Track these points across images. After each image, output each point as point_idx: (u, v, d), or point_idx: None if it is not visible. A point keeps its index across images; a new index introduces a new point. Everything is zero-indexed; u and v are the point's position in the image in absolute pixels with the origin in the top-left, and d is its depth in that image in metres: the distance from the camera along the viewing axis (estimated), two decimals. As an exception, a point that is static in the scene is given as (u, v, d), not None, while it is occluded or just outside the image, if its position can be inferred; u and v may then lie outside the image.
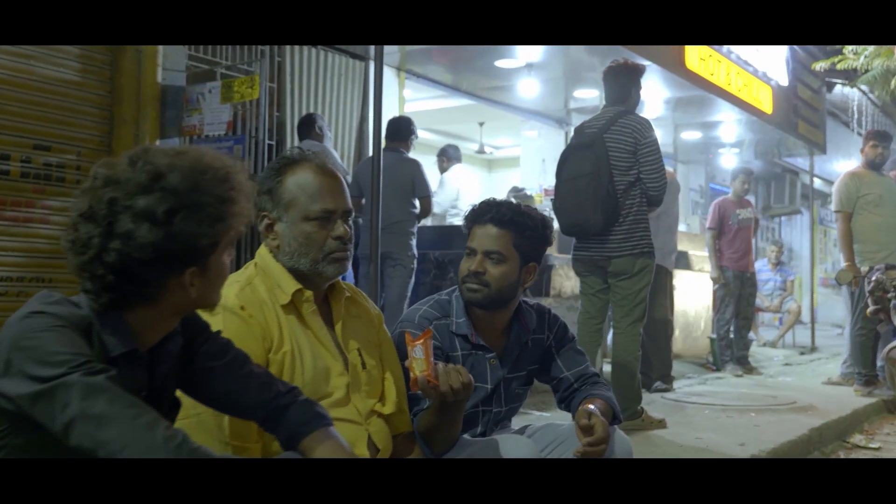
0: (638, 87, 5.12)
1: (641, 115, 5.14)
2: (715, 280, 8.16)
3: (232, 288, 2.07)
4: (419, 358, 2.11)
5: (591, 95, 9.33)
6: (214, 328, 1.95)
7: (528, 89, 8.91)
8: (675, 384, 6.84)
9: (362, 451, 2.11)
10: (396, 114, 7.53)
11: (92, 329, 1.55)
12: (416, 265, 6.41)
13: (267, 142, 6.60)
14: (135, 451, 1.40)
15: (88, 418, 1.41)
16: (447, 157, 8.12)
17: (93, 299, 1.57)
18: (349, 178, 6.43)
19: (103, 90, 5.90)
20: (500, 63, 8.23)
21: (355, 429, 2.12)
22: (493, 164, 15.28)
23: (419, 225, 6.55)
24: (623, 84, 5.09)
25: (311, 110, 7.21)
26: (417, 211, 6.41)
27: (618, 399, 4.82)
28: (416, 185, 6.36)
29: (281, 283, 2.13)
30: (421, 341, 2.11)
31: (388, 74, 8.26)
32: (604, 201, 4.80)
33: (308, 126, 6.46)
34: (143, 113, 5.95)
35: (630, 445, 2.43)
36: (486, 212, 2.51)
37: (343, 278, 2.25)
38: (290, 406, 1.82)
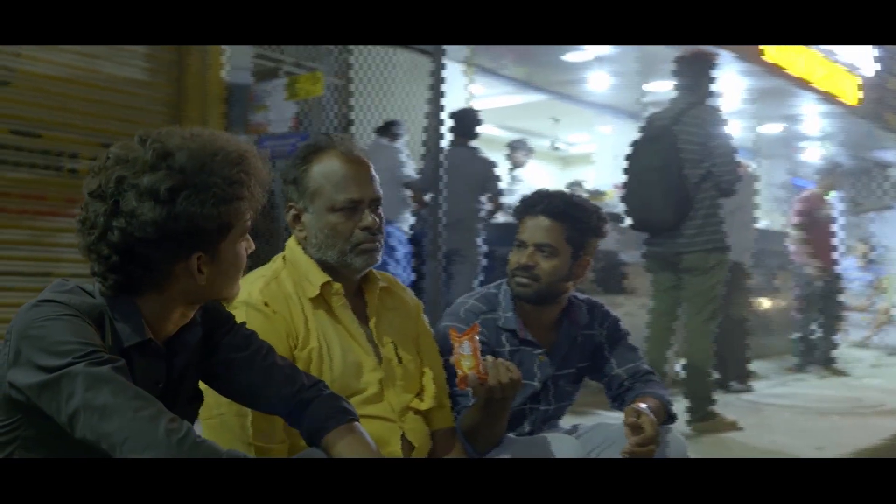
0: (709, 76, 4.92)
1: (715, 106, 4.94)
2: (816, 276, 7.77)
3: (257, 283, 2.02)
4: (467, 354, 2.01)
5: (666, 88, 9.03)
6: None
7: (600, 83, 8.73)
8: (754, 385, 6.60)
9: (395, 450, 2.03)
10: (464, 111, 7.42)
11: (104, 318, 1.51)
12: (483, 262, 6.33)
13: (333, 139, 6.56)
14: (136, 445, 1.35)
15: (91, 409, 1.37)
16: (519, 152, 7.97)
17: (101, 282, 1.53)
18: (405, 174, 6.35)
19: (170, 89, 5.94)
20: (568, 56, 8.07)
21: (388, 426, 2.05)
22: (567, 161, 15.05)
23: (488, 221, 6.46)
24: (694, 74, 4.91)
25: (379, 107, 7.18)
26: (486, 207, 6.32)
27: (688, 400, 4.74)
28: (487, 182, 6.28)
29: (309, 275, 2.06)
30: (468, 337, 2.02)
31: (456, 70, 8.18)
32: (674, 195, 4.65)
33: (390, 129, 6.49)
34: (209, 111, 5.97)
35: (685, 447, 2.28)
36: (537, 202, 2.40)
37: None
38: (313, 400, 1.75)
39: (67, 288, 1.52)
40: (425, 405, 2.16)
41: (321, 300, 2.05)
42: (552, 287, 2.38)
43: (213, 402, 1.86)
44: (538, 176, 7.98)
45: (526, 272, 2.37)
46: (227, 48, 6.08)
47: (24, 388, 1.41)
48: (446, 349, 2.31)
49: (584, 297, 2.56)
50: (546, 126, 12.45)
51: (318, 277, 2.05)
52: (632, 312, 6.08)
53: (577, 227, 2.37)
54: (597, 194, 7.94)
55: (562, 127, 12.48)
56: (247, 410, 1.86)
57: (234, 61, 6.14)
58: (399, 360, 2.13)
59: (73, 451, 1.43)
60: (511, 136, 10.82)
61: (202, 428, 1.93)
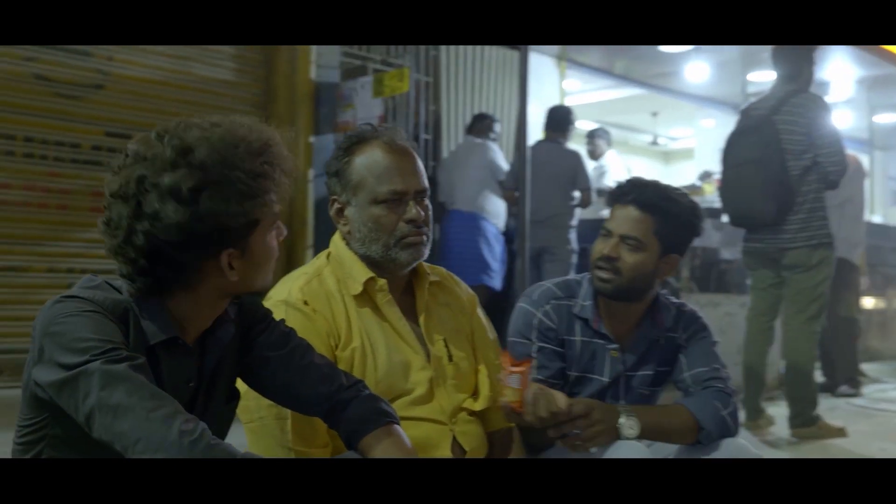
0: (811, 62, 4.64)
1: (819, 94, 4.66)
2: None
3: (297, 281, 1.95)
4: (513, 388, 1.93)
5: (769, 78, 8.68)
6: None
7: (700, 74, 8.44)
8: (865, 389, 6.24)
9: (444, 453, 1.93)
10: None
11: (129, 315, 1.45)
12: (575, 259, 6.17)
13: (423, 136, 6.52)
14: (148, 445, 1.29)
15: (106, 409, 1.31)
16: (599, 140, 7.73)
17: (129, 284, 1.47)
18: (493, 170, 6.24)
19: (258, 89, 6.00)
20: (664, 47, 7.80)
21: (438, 429, 1.95)
22: (668, 156, 14.67)
23: (580, 218, 6.31)
24: (794, 60, 4.63)
25: (468, 103, 7.10)
26: (576, 203, 6.16)
27: (790, 403, 4.49)
28: (576, 176, 6.12)
29: (353, 272, 1.98)
30: (520, 370, 1.93)
31: (548, 65, 8.03)
32: (775, 189, 4.41)
33: (480, 124, 6.38)
34: (298, 110, 5.99)
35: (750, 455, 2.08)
36: (628, 192, 2.25)
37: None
38: (351, 401, 1.67)
39: (94, 284, 1.48)
40: (479, 405, 2.05)
41: (366, 297, 1.97)
42: (634, 283, 2.23)
43: (254, 405, 1.81)
44: (620, 164, 7.70)
45: (608, 263, 2.22)
46: (314, 47, 6.09)
47: (46, 386, 1.38)
48: (517, 329, 2.25)
49: (676, 300, 2.41)
50: (646, 121, 12.15)
51: (362, 273, 1.97)
52: (732, 312, 5.84)
53: (668, 221, 2.22)
54: (694, 189, 7.64)
55: (662, 121, 12.16)
56: (287, 413, 1.79)
57: (321, 60, 6.15)
58: (450, 358, 2.04)
59: (100, 450, 1.37)
60: (611, 132, 10.61)
61: (244, 431, 1.88)
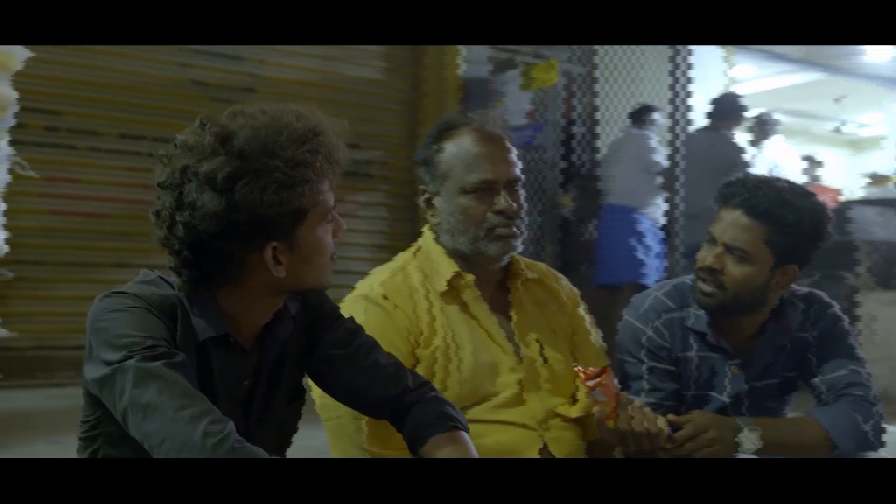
0: None
1: None
2: None
3: (380, 275, 1.89)
4: (601, 401, 1.80)
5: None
6: (354, 319, 1.77)
7: (889, 53, 7.78)
8: None
9: (530, 462, 1.81)
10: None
11: (178, 311, 1.42)
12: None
13: (578, 129, 6.36)
14: (172, 446, 1.25)
15: (137, 407, 1.29)
16: (762, 127, 7.23)
17: (177, 276, 1.43)
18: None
19: (406, 86, 6.03)
20: (845, 25, 7.24)
21: (527, 434, 1.83)
22: (856, 145, 13.67)
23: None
24: None
25: (626, 94, 6.86)
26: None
27: None
28: (732, 167, 5.74)
29: (439, 266, 1.89)
30: (599, 381, 1.78)
31: (713, 51, 7.64)
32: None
33: (642, 115, 6.15)
34: (446, 107, 5.97)
35: None
36: (737, 193, 1.97)
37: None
38: (415, 404, 1.57)
39: (147, 279, 1.46)
40: (575, 411, 1.92)
41: (453, 293, 1.89)
42: (740, 298, 1.97)
43: (331, 404, 1.74)
44: (785, 152, 7.18)
45: (710, 276, 1.98)
46: (463, 43, 6.07)
47: (91, 383, 1.37)
48: (624, 346, 2.08)
49: (801, 290, 2.14)
50: (830, 107, 11.37)
51: (448, 268, 1.88)
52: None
53: (784, 230, 1.94)
54: (880, 178, 7.06)
55: (848, 107, 11.33)
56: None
57: (470, 55, 6.12)
58: (544, 359, 1.92)
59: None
60: (791, 120, 10.02)
61: (325, 430, 1.85)
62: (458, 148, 1.86)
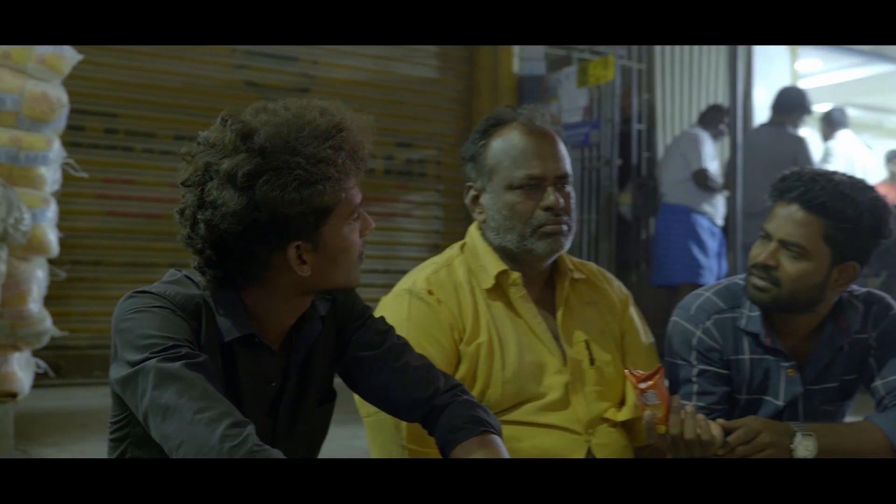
0: None
1: None
2: None
3: (425, 270, 1.87)
4: (653, 404, 1.74)
5: None
6: (397, 314, 1.76)
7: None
8: None
9: (573, 468, 1.74)
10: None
11: (202, 311, 1.40)
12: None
13: (636, 127, 6.25)
14: (189, 449, 1.23)
15: (157, 408, 1.27)
16: (831, 122, 7.01)
17: (201, 276, 1.42)
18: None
19: (461, 85, 6.00)
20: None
21: (571, 438, 1.79)
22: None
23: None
24: None
25: (685, 91, 6.74)
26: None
27: None
28: (796, 163, 5.56)
29: (486, 264, 1.87)
30: (650, 383, 1.71)
31: (778, 46, 7.44)
32: None
33: (708, 114, 6.05)
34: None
35: None
36: (793, 187, 1.88)
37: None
38: (446, 407, 1.53)
39: (173, 278, 1.44)
40: (622, 416, 1.87)
41: (499, 291, 1.86)
42: (796, 296, 1.89)
43: None
44: (855, 148, 6.94)
45: (764, 272, 1.90)
46: (518, 40, 6.01)
47: (115, 383, 1.36)
48: (673, 348, 2.00)
49: (861, 290, 2.04)
50: (903, 101, 11.01)
51: (495, 266, 1.85)
52: None
53: (841, 226, 1.85)
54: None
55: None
56: None
57: (524, 52, 6.06)
58: (592, 361, 1.87)
59: None
60: (861, 115, 9.70)
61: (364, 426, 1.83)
62: (506, 143, 1.84)
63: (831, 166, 6.50)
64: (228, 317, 1.41)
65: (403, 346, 1.60)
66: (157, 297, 1.37)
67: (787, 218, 1.88)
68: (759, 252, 1.91)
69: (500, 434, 1.52)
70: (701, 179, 5.69)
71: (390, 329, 1.61)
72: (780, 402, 1.97)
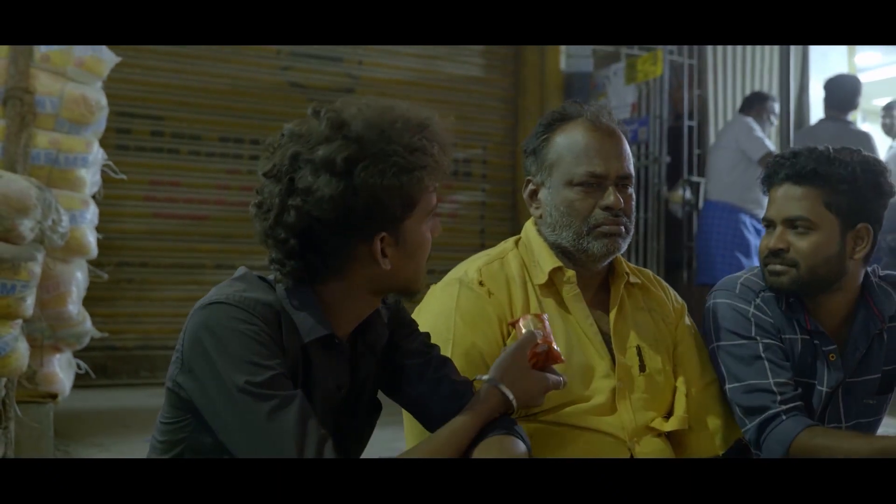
0: None
1: None
2: None
3: (478, 261, 1.83)
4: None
5: None
6: (446, 302, 1.75)
7: None
8: None
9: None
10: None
11: (281, 316, 1.39)
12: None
13: (687, 123, 6.13)
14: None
15: (243, 445, 1.31)
16: (894, 116, 6.74)
17: (278, 269, 1.41)
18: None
19: (507, 83, 5.96)
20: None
21: (614, 445, 1.74)
22: None
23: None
24: None
25: (738, 86, 6.57)
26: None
27: None
28: None
29: (540, 259, 1.82)
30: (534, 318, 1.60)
31: (834, 37, 7.25)
32: None
33: (753, 103, 5.81)
34: (547, 103, 5.85)
35: None
36: (779, 168, 1.88)
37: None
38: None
39: (245, 279, 1.43)
40: (669, 426, 1.81)
41: (552, 288, 1.81)
42: (815, 272, 1.84)
43: None
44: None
45: (777, 258, 1.86)
46: (564, 37, 5.95)
47: (191, 398, 1.35)
48: (726, 328, 1.91)
49: (892, 275, 2.00)
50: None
51: (549, 262, 1.81)
52: None
53: (839, 188, 1.82)
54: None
55: None
56: None
57: (572, 50, 6.00)
58: (643, 368, 1.82)
59: None
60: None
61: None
62: (569, 139, 1.80)
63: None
64: (307, 318, 1.40)
65: (446, 361, 1.59)
66: (242, 312, 1.34)
67: (783, 197, 1.88)
68: (767, 241, 1.89)
69: (527, 445, 1.48)
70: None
71: (434, 346, 1.61)
72: (825, 388, 1.91)
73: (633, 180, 1.83)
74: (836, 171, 1.82)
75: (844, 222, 1.84)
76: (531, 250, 1.85)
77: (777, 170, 1.88)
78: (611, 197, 1.76)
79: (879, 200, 1.86)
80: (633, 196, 1.83)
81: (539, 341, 1.54)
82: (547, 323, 1.59)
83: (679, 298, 1.99)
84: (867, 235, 1.86)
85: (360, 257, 1.39)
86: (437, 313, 1.72)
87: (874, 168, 1.85)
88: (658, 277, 2.01)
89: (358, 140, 1.34)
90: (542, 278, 1.80)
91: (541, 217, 1.84)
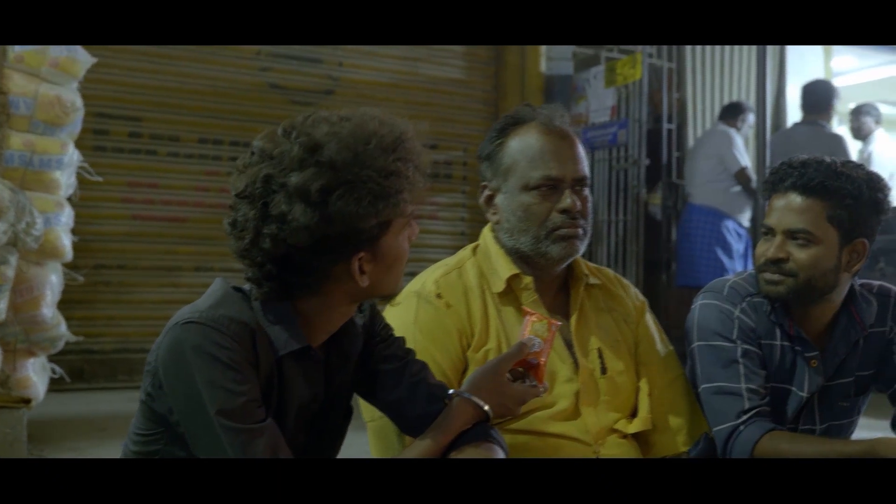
0: None
1: None
2: None
3: (435, 272, 1.82)
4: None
5: None
6: (404, 317, 1.72)
7: None
8: None
9: (581, 479, 1.69)
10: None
11: (255, 336, 1.37)
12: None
13: (666, 126, 6.16)
14: None
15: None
16: (865, 118, 6.77)
17: (255, 288, 1.40)
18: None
19: (488, 86, 5.96)
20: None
21: (579, 449, 1.73)
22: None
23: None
24: None
25: (717, 89, 6.62)
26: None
27: None
28: None
29: (497, 267, 1.82)
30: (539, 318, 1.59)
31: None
32: None
33: (731, 112, 5.93)
34: (528, 105, 5.86)
35: None
36: (786, 176, 1.88)
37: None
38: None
39: (221, 295, 1.40)
40: (634, 427, 1.81)
41: (510, 296, 1.80)
42: (813, 283, 1.85)
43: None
44: (892, 145, 6.75)
45: (775, 267, 1.87)
46: (545, 39, 5.96)
47: (162, 411, 1.36)
48: (710, 329, 1.93)
49: (874, 284, 2.02)
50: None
51: (506, 269, 1.80)
52: None
53: (843, 203, 1.83)
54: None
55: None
56: None
57: (552, 52, 6.01)
58: (604, 370, 1.81)
59: None
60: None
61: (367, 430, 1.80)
62: (524, 143, 1.79)
63: (875, 168, 6.34)
64: (282, 330, 1.39)
65: (423, 366, 1.58)
66: (214, 332, 1.32)
67: (787, 207, 1.87)
68: (766, 249, 1.89)
69: (504, 450, 1.49)
70: (745, 179, 5.58)
71: (410, 351, 1.60)
72: (804, 394, 1.93)
73: (589, 181, 1.82)
74: (843, 186, 1.83)
75: (844, 236, 1.85)
76: (489, 257, 1.84)
77: (783, 178, 1.88)
78: (567, 200, 1.75)
79: (877, 217, 1.88)
80: (590, 198, 1.82)
81: (536, 351, 1.54)
82: (554, 333, 1.58)
83: (640, 296, 1.98)
84: (863, 250, 1.87)
85: (338, 276, 1.38)
86: (396, 328, 1.70)
87: (878, 185, 1.86)
88: (618, 276, 2.00)
89: (331, 166, 1.31)
90: (500, 286, 1.80)
91: (498, 223, 1.83)
